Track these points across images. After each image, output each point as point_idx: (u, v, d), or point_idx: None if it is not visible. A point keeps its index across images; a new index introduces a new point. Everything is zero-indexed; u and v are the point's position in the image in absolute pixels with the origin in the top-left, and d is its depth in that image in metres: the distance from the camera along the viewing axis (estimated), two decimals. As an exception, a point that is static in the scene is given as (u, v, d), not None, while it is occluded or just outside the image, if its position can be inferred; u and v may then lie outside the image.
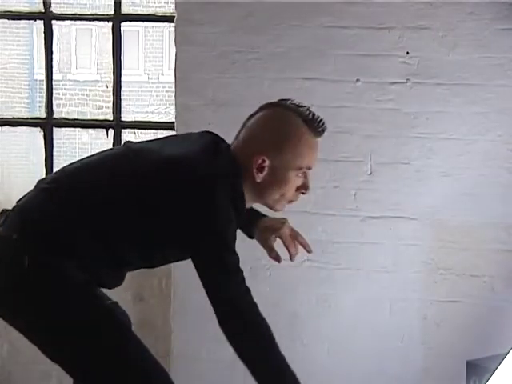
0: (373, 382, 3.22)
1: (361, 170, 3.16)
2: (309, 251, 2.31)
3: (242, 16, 3.15)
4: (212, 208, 1.96)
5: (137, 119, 3.73)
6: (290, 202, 2.15)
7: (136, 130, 3.73)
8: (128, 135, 3.72)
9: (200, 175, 1.98)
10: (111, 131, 3.61)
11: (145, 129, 3.74)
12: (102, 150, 2.27)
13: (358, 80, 3.14)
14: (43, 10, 3.62)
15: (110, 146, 3.61)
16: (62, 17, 3.66)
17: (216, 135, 2.18)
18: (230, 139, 3.27)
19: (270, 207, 2.16)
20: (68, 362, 1.98)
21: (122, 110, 3.63)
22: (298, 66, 3.15)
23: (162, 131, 3.73)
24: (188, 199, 1.96)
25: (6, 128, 3.72)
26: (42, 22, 3.62)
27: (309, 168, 2.11)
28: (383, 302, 3.18)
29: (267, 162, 2.05)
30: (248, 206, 2.13)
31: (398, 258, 3.17)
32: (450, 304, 3.15)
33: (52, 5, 3.62)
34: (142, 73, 4.34)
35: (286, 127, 2.08)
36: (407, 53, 3.10)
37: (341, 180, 3.17)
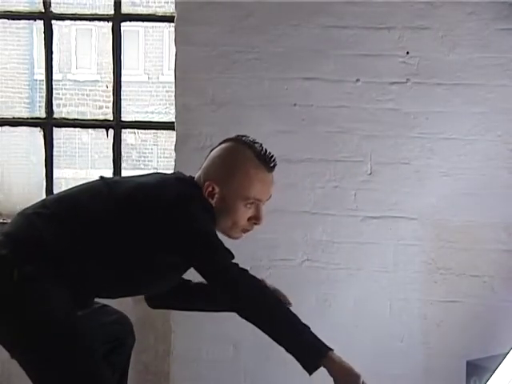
0: (373, 382, 3.21)
1: (361, 170, 3.16)
2: None
3: (242, 16, 3.15)
4: (187, 212, 2.10)
5: (137, 119, 3.73)
6: (245, 230, 2.27)
7: (136, 130, 3.74)
8: (128, 135, 3.72)
9: (174, 194, 2.13)
10: (111, 131, 3.61)
11: (145, 129, 3.75)
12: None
13: (358, 80, 3.14)
14: (43, 10, 3.62)
15: (110, 146, 3.61)
16: (62, 17, 3.66)
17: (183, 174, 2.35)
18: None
19: (226, 234, 2.25)
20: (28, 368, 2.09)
21: (122, 109, 3.63)
22: (298, 66, 3.15)
23: (162, 131, 3.73)
24: (164, 211, 2.10)
25: (6, 128, 3.72)
26: (42, 22, 3.62)
27: (259, 200, 2.23)
28: (383, 302, 3.18)
29: (217, 189, 2.20)
30: None
31: (398, 258, 3.17)
32: (450, 304, 3.15)
33: (52, 5, 3.62)
34: (142, 73, 4.34)
35: (237, 159, 2.22)
36: (407, 53, 3.10)
37: (341, 180, 3.17)
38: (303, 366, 2.09)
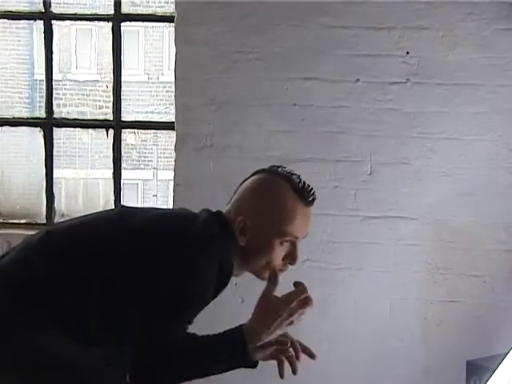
0: (373, 382, 3.22)
1: (361, 170, 3.16)
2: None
3: (242, 16, 3.15)
4: (194, 270, 1.89)
5: (137, 119, 3.73)
6: (279, 271, 2.03)
7: (136, 130, 3.74)
8: (128, 135, 3.72)
9: (193, 231, 1.93)
10: (111, 131, 3.61)
11: (145, 129, 3.75)
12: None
13: (358, 80, 3.14)
14: (43, 10, 3.62)
15: (110, 146, 3.62)
16: (62, 17, 3.65)
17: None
18: (229, 140, 3.28)
19: (257, 275, 2.05)
20: None
21: (122, 109, 3.63)
22: (298, 66, 3.15)
23: (162, 131, 3.73)
24: (177, 252, 1.89)
25: (6, 128, 3.72)
26: (42, 22, 3.62)
27: (296, 237, 2.01)
28: (383, 302, 3.18)
29: (249, 225, 1.98)
30: (237, 273, 2.06)
31: (398, 258, 3.17)
32: (450, 304, 3.15)
33: (52, 5, 3.62)
34: (142, 73, 4.34)
35: (273, 192, 2.01)
36: (407, 53, 3.10)
37: (341, 180, 3.17)
38: (246, 367, 2.04)
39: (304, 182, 2.03)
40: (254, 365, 2.05)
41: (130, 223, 1.97)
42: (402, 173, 3.14)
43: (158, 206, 2.33)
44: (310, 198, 2.02)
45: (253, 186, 2.05)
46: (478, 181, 3.11)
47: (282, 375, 2.14)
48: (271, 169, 2.08)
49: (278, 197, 2.00)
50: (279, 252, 2.00)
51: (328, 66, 3.14)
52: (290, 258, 2.02)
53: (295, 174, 2.05)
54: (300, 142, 3.16)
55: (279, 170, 2.07)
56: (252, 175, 2.09)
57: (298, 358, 2.11)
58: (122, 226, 1.97)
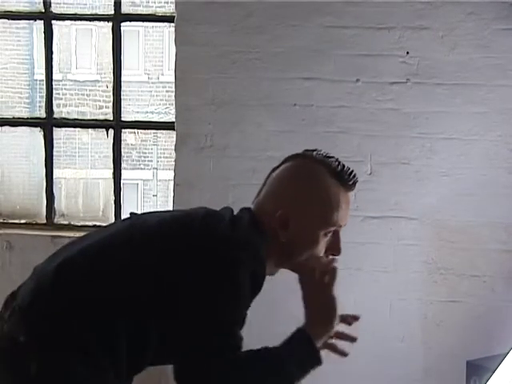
0: (373, 382, 3.22)
1: (361, 170, 3.16)
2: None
3: (242, 16, 3.15)
4: (229, 293, 1.72)
5: (137, 119, 3.73)
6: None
7: (136, 130, 3.74)
8: (128, 135, 3.72)
9: (212, 240, 1.74)
10: (111, 131, 3.61)
11: (145, 129, 3.75)
12: (106, 226, 2.03)
13: (358, 80, 3.14)
14: (43, 10, 3.62)
15: (110, 146, 3.61)
16: (62, 17, 3.65)
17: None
18: (229, 140, 3.28)
19: (296, 271, 1.90)
20: None
21: (122, 109, 3.63)
22: (298, 66, 3.15)
23: (162, 131, 3.74)
24: (205, 274, 1.71)
25: (6, 128, 3.72)
26: (42, 22, 3.62)
27: (340, 226, 1.86)
28: (383, 302, 3.18)
29: (291, 219, 1.80)
30: (272, 272, 1.91)
31: (398, 258, 3.17)
32: (450, 304, 3.15)
33: (52, 5, 3.62)
34: (142, 73, 4.34)
35: (312, 180, 1.85)
36: (407, 53, 3.10)
37: (341, 180, 3.17)
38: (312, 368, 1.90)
39: (343, 165, 1.88)
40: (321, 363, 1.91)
41: (148, 247, 1.75)
42: (402, 173, 3.14)
43: (168, 210, 2.18)
44: (351, 182, 1.86)
45: (289, 174, 1.88)
46: (478, 181, 3.11)
47: (344, 354, 2.05)
48: (305, 153, 1.93)
49: (318, 184, 1.84)
50: (323, 244, 1.85)
51: (328, 65, 3.14)
52: (334, 248, 1.88)
53: (332, 157, 1.91)
54: (300, 142, 3.15)
55: (314, 154, 1.92)
56: (283, 162, 1.93)
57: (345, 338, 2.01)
58: (140, 252, 1.75)
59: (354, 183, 1.86)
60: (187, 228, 1.78)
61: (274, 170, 1.91)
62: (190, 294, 1.70)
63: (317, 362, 1.90)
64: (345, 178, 1.85)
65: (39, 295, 1.73)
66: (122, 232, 1.84)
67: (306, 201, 1.82)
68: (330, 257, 1.89)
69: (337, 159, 1.89)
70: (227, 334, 1.74)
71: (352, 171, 1.87)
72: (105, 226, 2.00)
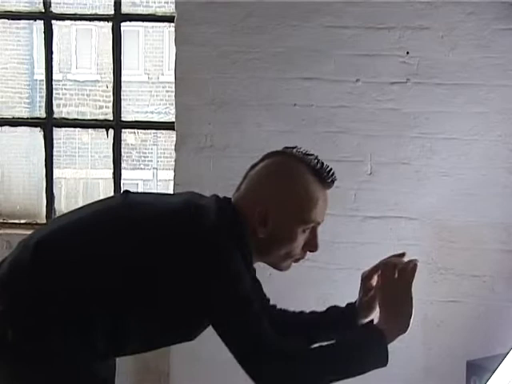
0: (373, 382, 3.21)
1: (361, 170, 3.16)
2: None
3: (242, 16, 3.15)
4: (219, 267, 1.76)
5: (137, 119, 3.73)
6: (297, 260, 1.92)
7: (136, 130, 3.74)
8: (128, 135, 3.72)
9: (203, 229, 1.78)
10: (111, 131, 3.61)
11: (145, 129, 3.75)
12: (96, 201, 2.02)
13: (357, 80, 3.14)
14: (43, 10, 3.62)
15: (110, 146, 3.61)
16: (62, 17, 3.66)
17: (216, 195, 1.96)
18: (229, 140, 3.28)
19: (275, 266, 1.93)
20: None
21: (122, 109, 3.63)
22: (298, 66, 3.15)
23: (162, 131, 3.73)
24: (192, 258, 1.75)
25: (6, 128, 3.72)
26: (42, 22, 3.62)
27: (318, 223, 1.89)
28: (383, 302, 3.18)
29: (270, 215, 1.83)
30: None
31: (397, 258, 3.16)
32: (450, 304, 3.15)
33: (52, 5, 3.62)
34: (142, 73, 4.34)
35: (291, 177, 1.86)
36: (407, 53, 3.10)
37: (341, 180, 3.14)
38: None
39: (322, 163, 1.88)
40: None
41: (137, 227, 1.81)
42: (402, 173, 3.14)
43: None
44: (330, 180, 1.89)
45: (268, 171, 1.90)
46: (478, 181, 3.11)
47: None
48: (285, 151, 1.93)
49: (297, 182, 1.85)
50: (301, 240, 1.87)
51: (328, 65, 3.14)
52: (312, 245, 1.91)
53: (312, 155, 1.90)
54: (300, 142, 3.13)
55: (294, 151, 1.92)
56: (263, 159, 1.94)
57: None
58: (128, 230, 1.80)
59: (333, 181, 1.89)
60: (174, 218, 1.82)
61: (253, 166, 1.93)
62: (184, 280, 1.75)
63: (383, 363, 1.94)
64: (324, 176, 1.87)
65: (18, 269, 1.79)
66: (109, 212, 1.88)
67: (285, 198, 1.84)
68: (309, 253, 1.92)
69: (316, 157, 1.89)
70: (249, 303, 1.78)
71: (331, 169, 1.88)
72: (96, 201, 2.01)
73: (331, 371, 1.84)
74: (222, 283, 1.76)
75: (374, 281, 2.01)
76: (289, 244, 1.86)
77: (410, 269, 1.89)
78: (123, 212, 1.87)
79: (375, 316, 1.98)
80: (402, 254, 1.96)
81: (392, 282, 1.91)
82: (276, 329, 1.83)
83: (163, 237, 1.78)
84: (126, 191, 1.95)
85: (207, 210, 1.83)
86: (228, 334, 1.86)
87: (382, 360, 1.92)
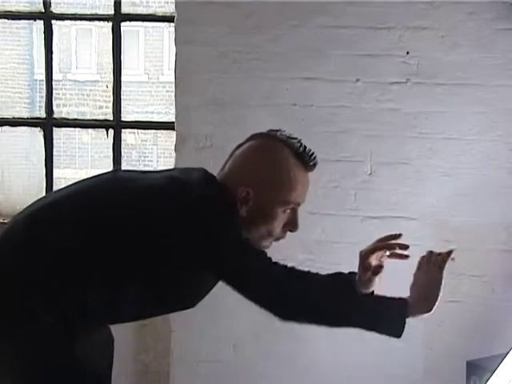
0: (373, 382, 3.22)
1: (361, 170, 3.16)
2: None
3: (242, 16, 3.15)
4: (212, 223, 1.84)
5: (137, 119, 3.73)
6: (277, 239, 2.01)
7: (136, 130, 3.74)
8: (128, 135, 3.72)
9: (193, 200, 1.85)
10: (111, 131, 3.62)
11: (145, 129, 3.75)
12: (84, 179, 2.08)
13: (358, 80, 3.14)
14: (43, 10, 3.62)
15: (110, 146, 3.62)
16: (62, 17, 3.66)
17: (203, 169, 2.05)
18: (229, 140, 3.26)
19: (255, 244, 1.97)
20: None
21: (122, 109, 3.63)
22: (298, 66, 3.15)
23: (162, 131, 3.73)
24: (186, 222, 1.83)
25: (6, 128, 3.72)
26: (42, 22, 3.62)
27: (298, 204, 1.97)
28: (383, 302, 3.18)
29: (252, 195, 1.90)
30: None
31: (397, 258, 3.16)
32: (450, 304, 3.15)
33: (52, 5, 3.63)
34: (142, 73, 4.33)
35: (274, 159, 1.94)
36: (407, 53, 3.10)
37: (341, 180, 3.17)
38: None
39: (305, 147, 1.96)
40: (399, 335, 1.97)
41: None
42: (401, 173, 3.14)
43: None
44: (312, 163, 1.96)
45: (252, 152, 1.97)
46: (478, 181, 3.10)
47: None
48: (269, 133, 2.00)
49: (280, 163, 1.93)
50: (281, 220, 1.95)
51: (328, 65, 3.14)
52: (291, 225, 1.99)
53: (295, 138, 1.98)
54: (300, 142, 3.15)
55: (278, 134, 1.99)
56: (248, 140, 2.00)
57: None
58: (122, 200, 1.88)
59: (314, 164, 1.97)
60: (167, 187, 1.91)
61: (239, 146, 2.01)
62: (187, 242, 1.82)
63: (397, 332, 2.01)
64: (305, 159, 1.95)
65: (9, 242, 1.85)
66: (100, 186, 1.97)
67: (267, 178, 1.92)
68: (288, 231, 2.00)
69: (299, 140, 1.97)
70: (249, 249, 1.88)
71: (313, 153, 1.96)
72: (87, 178, 2.06)
73: (344, 311, 1.96)
74: (219, 229, 1.84)
75: (373, 260, 2.11)
76: (269, 223, 1.94)
77: (444, 255, 1.99)
78: (115, 185, 1.94)
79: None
80: (399, 235, 2.09)
81: (428, 266, 2.03)
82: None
83: (155, 204, 1.85)
84: (116, 168, 2.00)
85: (198, 182, 1.91)
86: (245, 280, 1.88)
87: (397, 327, 1.99)
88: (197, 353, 3.27)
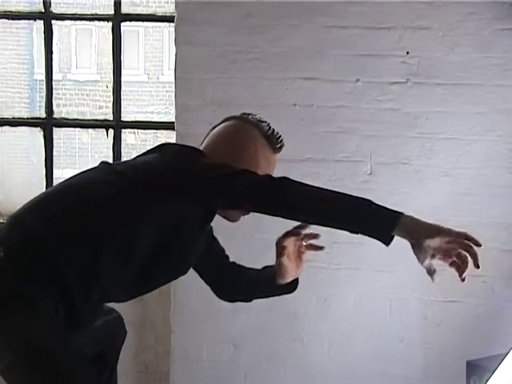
0: (373, 382, 3.22)
1: (361, 170, 3.16)
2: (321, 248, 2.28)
3: (242, 16, 3.15)
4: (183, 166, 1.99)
5: (137, 119, 3.73)
6: (245, 213, 2.13)
7: (136, 130, 3.74)
8: (128, 135, 3.72)
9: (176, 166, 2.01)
10: (111, 131, 3.62)
11: (145, 129, 3.75)
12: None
13: (358, 80, 3.14)
14: (43, 10, 3.62)
15: (110, 146, 3.62)
16: (62, 17, 3.66)
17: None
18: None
19: (226, 217, 2.14)
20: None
21: (122, 109, 3.63)
22: (298, 66, 3.15)
23: (162, 131, 3.73)
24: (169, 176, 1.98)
25: (6, 128, 3.72)
26: (42, 22, 3.62)
27: None
28: (383, 302, 3.18)
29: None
30: None
31: (398, 257, 3.16)
32: (450, 304, 3.15)
33: (52, 5, 3.63)
34: (142, 73, 4.33)
35: (243, 138, 2.13)
36: (407, 53, 3.10)
37: (341, 180, 3.17)
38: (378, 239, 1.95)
39: (273, 130, 2.15)
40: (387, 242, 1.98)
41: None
42: (402, 173, 3.14)
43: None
44: (278, 145, 2.15)
45: (224, 132, 2.17)
46: (478, 181, 3.10)
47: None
48: (242, 116, 2.19)
49: (247, 143, 2.11)
50: None
51: (328, 65, 3.14)
52: None
53: (265, 122, 2.16)
54: (300, 142, 3.15)
55: (250, 117, 2.17)
56: (223, 121, 2.20)
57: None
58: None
59: (281, 147, 2.15)
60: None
61: (214, 127, 2.21)
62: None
63: (385, 236, 1.98)
64: (273, 141, 2.14)
65: (15, 224, 1.94)
66: (93, 172, 2.08)
67: (235, 155, 2.07)
68: None
69: (268, 124, 2.16)
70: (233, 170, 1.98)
71: (280, 136, 2.15)
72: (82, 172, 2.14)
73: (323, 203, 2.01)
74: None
75: (288, 246, 2.22)
76: None
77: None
78: (106, 169, 2.06)
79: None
80: (305, 226, 2.18)
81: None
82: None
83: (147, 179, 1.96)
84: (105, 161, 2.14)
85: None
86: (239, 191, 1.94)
87: (385, 231, 1.96)
88: (197, 353, 3.27)
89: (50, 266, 1.85)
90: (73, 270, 1.86)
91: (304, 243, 2.25)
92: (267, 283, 2.29)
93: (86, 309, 1.94)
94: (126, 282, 2.00)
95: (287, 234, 2.21)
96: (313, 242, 2.26)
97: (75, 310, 1.90)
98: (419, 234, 1.95)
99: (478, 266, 1.97)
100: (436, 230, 1.93)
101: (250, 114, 2.18)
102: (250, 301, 2.43)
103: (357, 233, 1.95)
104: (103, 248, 1.90)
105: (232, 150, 2.10)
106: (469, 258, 1.97)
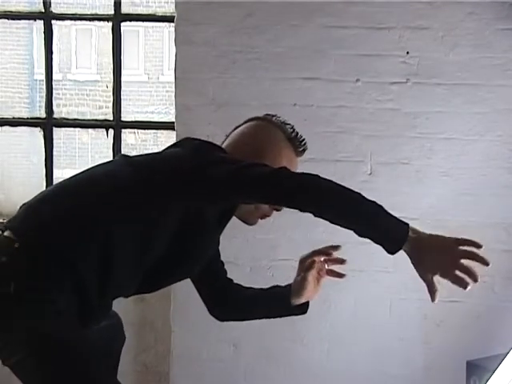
0: (373, 382, 3.22)
1: (361, 170, 3.16)
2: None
3: (242, 16, 3.15)
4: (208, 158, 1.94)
5: (137, 119, 3.73)
6: (264, 216, 2.11)
7: (136, 130, 3.74)
8: (128, 135, 3.72)
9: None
10: (111, 131, 3.62)
11: (145, 129, 3.75)
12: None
13: (358, 80, 3.14)
14: (43, 10, 3.62)
15: (110, 146, 3.62)
16: (62, 17, 3.66)
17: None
18: (230, 139, 3.26)
19: (244, 220, 2.11)
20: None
21: (122, 109, 3.63)
22: (298, 66, 3.15)
23: (162, 131, 3.73)
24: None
25: (6, 128, 3.72)
26: (42, 21, 3.62)
27: None
28: (383, 302, 3.18)
29: None
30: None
31: (398, 257, 3.15)
32: (450, 304, 3.15)
33: (52, 5, 3.63)
34: (142, 73, 4.33)
35: (267, 140, 2.08)
36: (407, 53, 3.10)
37: (341, 180, 3.14)
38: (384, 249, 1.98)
39: (297, 133, 2.11)
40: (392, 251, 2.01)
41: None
42: (402, 173, 3.14)
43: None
44: (301, 148, 2.11)
45: (247, 132, 2.10)
46: (478, 181, 3.11)
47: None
48: (266, 117, 2.14)
49: (272, 144, 2.06)
50: None
51: (328, 66, 3.14)
52: None
53: (289, 124, 2.13)
54: (300, 141, 3.15)
55: (274, 118, 2.12)
56: (246, 121, 2.13)
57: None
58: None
59: (304, 150, 2.11)
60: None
61: (236, 127, 2.14)
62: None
63: (395, 244, 2.04)
64: (296, 144, 2.10)
65: (30, 215, 1.89)
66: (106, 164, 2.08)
67: (258, 157, 2.00)
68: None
69: (292, 126, 2.12)
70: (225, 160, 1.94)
71: (304, 139, 2.11)
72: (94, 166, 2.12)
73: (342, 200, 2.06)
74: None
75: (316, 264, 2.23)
76: None
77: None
78: (123, 161, 2.03)
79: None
80: (338, 247, 2.24)
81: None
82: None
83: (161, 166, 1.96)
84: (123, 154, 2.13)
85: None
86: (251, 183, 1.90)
87: (396, 245, 2.03)
88: (197, 353, 3.27)
89: (64, 261, 1.81)
90: (87, 267, 1.83)
91: (326, 266, 2.24)
92: (276, 302, 2.26)
93: (97, 305, 1.91)
94: (137, 279, 1.97)
95: (315, 253, 2.20)
96: (335, 267, 2.24)
97: (87, 306, 1.87)
98: (421, 251, 2.03)
99: (487, 264, 1.99)
100: (437, 250, 2.04)
101: (274, 116, 2.14)
102: (246, 320, 2.40)
103: (365, 237, 1.99)
104: (117, 243, 1.86)
105: (254, 151, 2.04)
106: (473, 262, 2.01)
